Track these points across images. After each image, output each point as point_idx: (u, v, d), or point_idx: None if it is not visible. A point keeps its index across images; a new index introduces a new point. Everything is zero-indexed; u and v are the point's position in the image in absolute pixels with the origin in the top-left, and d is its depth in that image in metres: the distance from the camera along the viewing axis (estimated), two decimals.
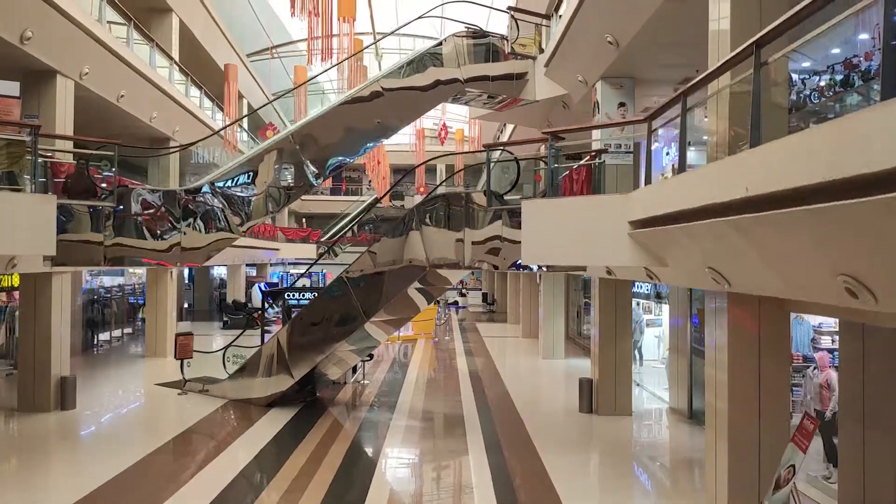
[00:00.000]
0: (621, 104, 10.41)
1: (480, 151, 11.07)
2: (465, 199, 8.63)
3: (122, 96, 12.50)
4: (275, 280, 31.42)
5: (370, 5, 22.14)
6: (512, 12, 12.44)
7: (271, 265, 33.59)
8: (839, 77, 8.64)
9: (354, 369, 12.99)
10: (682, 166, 5.55)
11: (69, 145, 10.72)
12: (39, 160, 7.62)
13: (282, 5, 20.46)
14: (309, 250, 34.07)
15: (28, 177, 7.39)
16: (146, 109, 13.96)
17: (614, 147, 10.52)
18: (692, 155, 15.84)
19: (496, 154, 10.45)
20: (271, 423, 9.78)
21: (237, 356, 12.73)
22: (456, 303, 35.57)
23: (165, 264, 9.40)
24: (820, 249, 3.69)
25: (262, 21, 24.47)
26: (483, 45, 12.37)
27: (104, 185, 8.62)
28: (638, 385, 12.52)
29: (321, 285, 35.99)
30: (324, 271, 37.24)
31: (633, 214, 6.42)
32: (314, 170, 10.35)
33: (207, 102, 19.35)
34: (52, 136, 8.32)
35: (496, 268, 8.39)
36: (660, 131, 15.31)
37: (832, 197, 3.23)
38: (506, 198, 8.56)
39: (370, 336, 10.85)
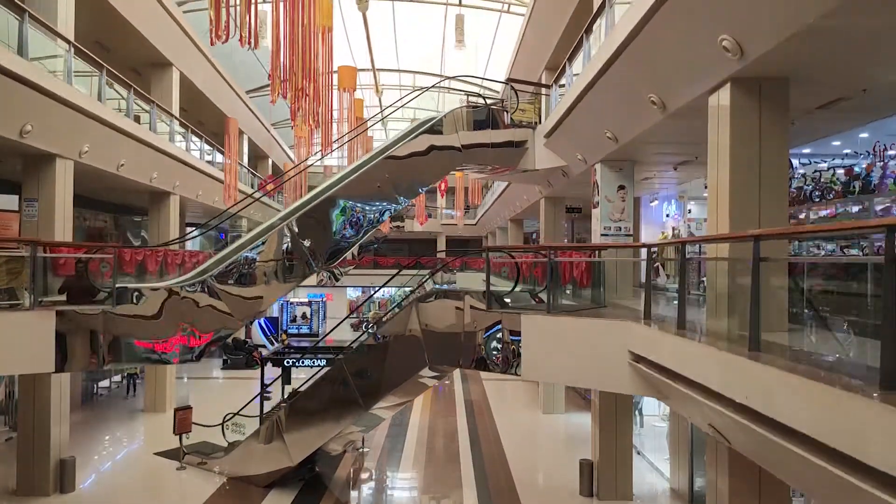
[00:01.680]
0: (621, 187, 10.40)
1: (480, 251, 11.02)
2: (464, 300, 8.58)
3: (122, 165, 12.51)
4: (274, 312, 31.32)
5: (369, 44, 22.19)
6: (511, 83, 12.45)
7: None
8: (841, 174, 8.62)
9: None
10: (681, 322, 5.52)
11: (68, 226, 10.76)
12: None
13: None
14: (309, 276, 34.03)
15: (28, 292, 7.38)
16: (146, 172, 13.96)
17: (614, 230, 10.56)
18: (694, 208, 15.70)
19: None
20: None
21: (237, 424, 12.71)
22: None
23: (163, 346, 9.35)
24: (818, 478, 3.67)
25: (262, 61, 24.47)
26: (483, 112, 12.36)
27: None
28: (638, 453, 12.47)
29: (322, 311, 36.02)
30: (323, 293, 37.18)
31: (633, 346, 6.41)
32: (314, 254, 10.35)
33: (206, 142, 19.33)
34: (51, 243, 8.31)
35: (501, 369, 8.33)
36: (658, 189, 15.33)
37: (828, 457, 3.23)
38: (506, 299, 8.52)
39: (376, 415, 10.83)
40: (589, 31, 9.29)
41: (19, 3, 8.91)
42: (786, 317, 5.58)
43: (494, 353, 8.14)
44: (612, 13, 8.12)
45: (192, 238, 14.29)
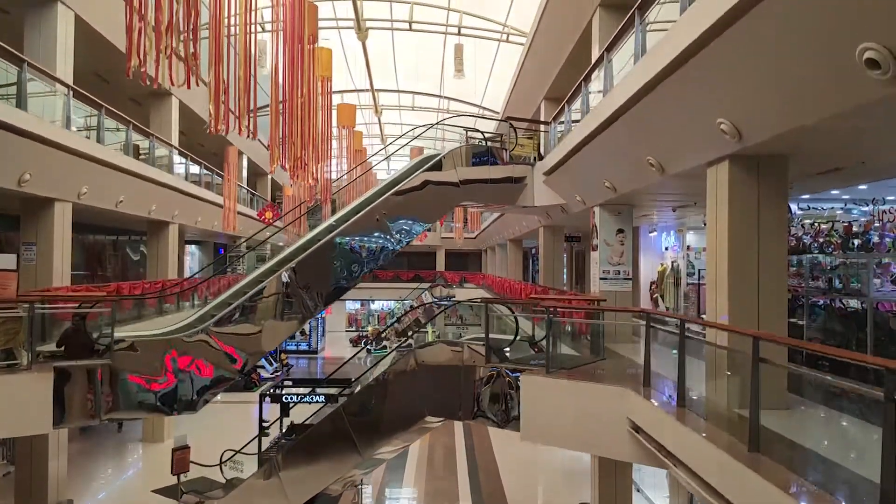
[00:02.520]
0: (620, 231, 10.39)
1: (478, 302, 11.01)
2: (463, 347, 8.57)
3: (121, 202, 12.50)
4: None
5: (368, 70, 22.21)
6: (510, 121, 12.46)
7: None
8: (839, 229, 8.60)
9: None
10: (680, 399, 5.50)
11: (66, 268, 10.75)
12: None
13: None
14: None
15: (26, 351, 7.35)
16: (145, 205, 13.97)
17: (613, 273, 10.54)
18: (692, 238, 15.62)
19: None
20: None
21: (235, 462, 12.65)
22: None
23: (163, 385, 9.33)
24: None
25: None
26: (481, 147, 12.35)
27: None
28: (637, 490, 12.44)
29: (321, 326, 35.86)
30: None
31: (632, 415, 6.37)
32: (314, 298, 10.32)
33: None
34: (49, 296, 8.29)
35: (499, 425, 8.29)
36: (657, 222, 15.30)
37: None
38: (506, 351, 8.49)
39: (376, 458, 10.78)
40: (587, 79, 9.29)
41: (18, 53, 8.91)
42: (785, 394, 5.58)
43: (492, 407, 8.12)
44: (611, 67, 8.12)
45: (193, 287, 14.17)
